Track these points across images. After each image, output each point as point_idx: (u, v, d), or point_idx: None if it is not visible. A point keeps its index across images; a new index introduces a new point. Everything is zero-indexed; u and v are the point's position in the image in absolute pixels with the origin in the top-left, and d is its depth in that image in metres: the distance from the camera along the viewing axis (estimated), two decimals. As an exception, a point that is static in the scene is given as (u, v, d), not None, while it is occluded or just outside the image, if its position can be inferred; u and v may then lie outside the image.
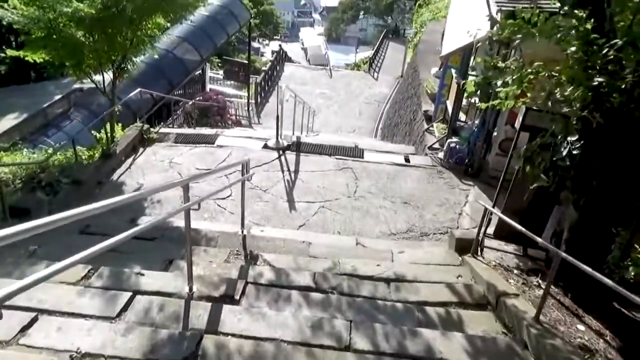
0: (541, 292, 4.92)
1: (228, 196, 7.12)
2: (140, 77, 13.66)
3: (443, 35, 20.36)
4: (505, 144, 8.22)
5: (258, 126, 17.30)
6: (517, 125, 5.52)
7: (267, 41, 46.80)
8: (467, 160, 8.61)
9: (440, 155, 9.02)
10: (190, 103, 14.20)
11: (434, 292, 4.46)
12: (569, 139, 4.41)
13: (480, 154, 8.51)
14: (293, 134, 10.69)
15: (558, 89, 4.40)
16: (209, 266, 4.62)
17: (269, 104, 20.68)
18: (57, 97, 13.71)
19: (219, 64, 22.34)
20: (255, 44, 47.70)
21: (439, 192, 7.79)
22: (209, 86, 16.75)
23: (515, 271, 5.40)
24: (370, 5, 60.59)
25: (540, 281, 5.09)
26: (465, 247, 5.57)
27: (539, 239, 4.58)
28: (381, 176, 8.15)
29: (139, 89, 9.46)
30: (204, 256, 5.01)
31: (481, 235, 5.58)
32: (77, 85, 13.22)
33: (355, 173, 8.19)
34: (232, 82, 19.59)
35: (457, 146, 8.73)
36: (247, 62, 18.50)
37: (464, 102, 9.70)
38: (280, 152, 8.75)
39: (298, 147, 9.05)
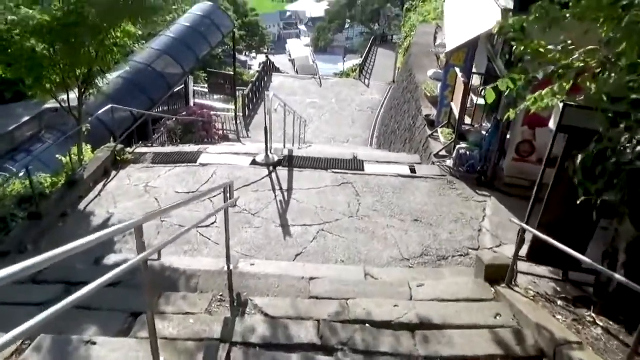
0: (599, 330, 4.00)
1: (212, 223, 6.15)
2: (116, 93, 12.80)
3: (435, 36, 19.77)
4: (523, 147, 7.36)
5: (247, 140, 16.35)
6: (552, 126, 4.64)
7: (254, 54, 46.03)
8: (479, 168, 7.72)
9: (449, 163, 8.11)
10: (172, 119, 13.25)
11: (472, 342, 3.50)
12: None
13: (494, 160, 7.62)
14: (284, 147, 9.79)
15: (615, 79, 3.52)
16: (185, 321, 3.64)
17: (258, 116, 19.76)
18: (26, 118, 12.68)
19: (206, 78, 21.44)
20: (242, 57, 46.93)
21: (453, 206, 6.87)
22: (192, 101, 15.82)
23: (560, 302, 4.47)
24: (356, 14, 60.16)
25: (594, 316, 4.15)
26: (497, 274, 4.64)
27: (598, 266, 3.66)
28: (386, 191, 7.22)
29: (110, 106, 8.50)
30: (182, 305, 4.03)
31: (515, 259, 4.66)
32: (48, 105, 12.21)
33: (356, 188, 7.25)
34: (219, 95, 18.68)
35: (468, 152, 7.83)
36: (232, 73, 17.60)
37: (469, 104, 8.82)
38: (271, 168, 7.80)
39: (290, 161, 8.11)
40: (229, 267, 4.78)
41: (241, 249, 5.70)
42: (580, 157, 3.76)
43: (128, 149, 8.61)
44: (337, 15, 63.17)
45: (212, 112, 15.26)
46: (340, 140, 17.35)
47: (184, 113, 13.99)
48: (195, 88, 19.42)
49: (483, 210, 6.83)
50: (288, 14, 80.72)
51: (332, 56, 54.99)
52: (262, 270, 4.90)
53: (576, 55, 3.55)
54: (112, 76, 13.06)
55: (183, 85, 15.92)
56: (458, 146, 7.99)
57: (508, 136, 7.58)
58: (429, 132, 9.51)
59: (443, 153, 8.62)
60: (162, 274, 4.68)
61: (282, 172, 7.72)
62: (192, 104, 15.53)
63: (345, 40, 65.55)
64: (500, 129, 7.38)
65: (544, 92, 4.19)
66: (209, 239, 5.89)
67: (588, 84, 3.82)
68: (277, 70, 29.33)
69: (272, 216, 6.44)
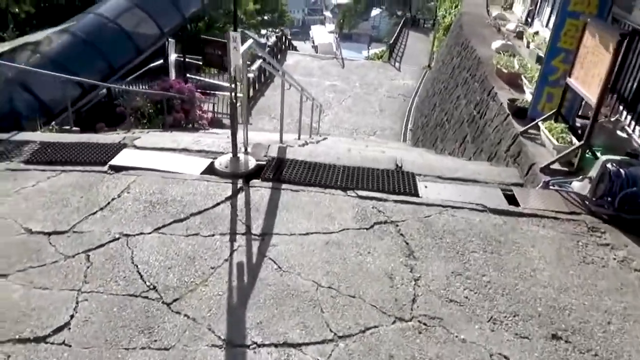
0: None
1: (65, 326, 2.47)
2: (61, 54, 9.26)
3: (488, 9, 15.91)
4: None
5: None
6: None
7: (275, 34, 42.15)
8: (646, 202, 3.89)
9: (578, 187, 4.28)
10: (138, 95, 9.65)
11: None
12: None
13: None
14: (281, 140, 6.20)
15: None
16: None
17: (264, 99, 16.15)
18: None
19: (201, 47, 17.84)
20: (262, 40, 43.10)
21: (617, 295, 3.06)
22: (173, 73, 12.20)
23: None
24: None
25: None
26: None
27: None
28: (469, 246, 3.43)
29: None
30: None
31: None
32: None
33: (406, 238, 3.48)
34: (215, 69, 15.16)
35: (623, 172, 3.99)
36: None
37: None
38: (239, 183, 4.09)
39: (278, 169, 4.38)
40: None
41: None
42: None
43: None
44: (364, 1, 59.77)
45: (198, 89, 11.59)
46: (364, 132, 13.63)
47: (156, 87, 10.35)
48: (191, 61, 15.88)
49: (694, 309, 3.02)
50: (313, -1, 78.00)
51: (357, 44, 51.47)
52: None
53: None
54: (55, 30, 9.56)
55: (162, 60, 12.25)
56: (603, 159, 4.14)
57: None
58: (521, 128, 5.66)
59: (557, 166, 4.79)
60: None
61: (260, 192, 3.99)
62: (172, 76, 11.94)
63: (371, 29, 61.70)
64: None
65: None
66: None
67: None
68: (294, 48, 25.55)
69: (213, 309, 2.73)
